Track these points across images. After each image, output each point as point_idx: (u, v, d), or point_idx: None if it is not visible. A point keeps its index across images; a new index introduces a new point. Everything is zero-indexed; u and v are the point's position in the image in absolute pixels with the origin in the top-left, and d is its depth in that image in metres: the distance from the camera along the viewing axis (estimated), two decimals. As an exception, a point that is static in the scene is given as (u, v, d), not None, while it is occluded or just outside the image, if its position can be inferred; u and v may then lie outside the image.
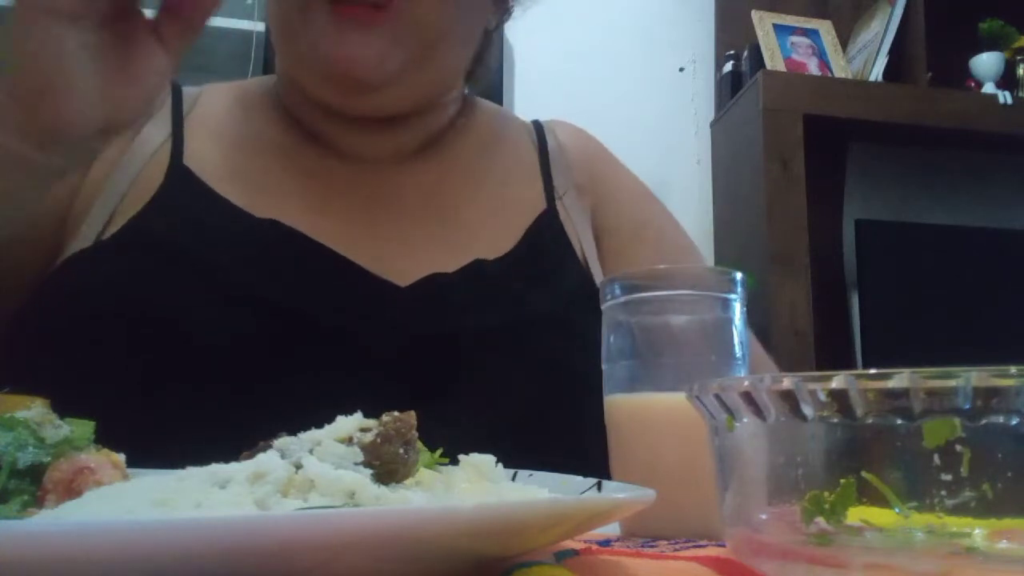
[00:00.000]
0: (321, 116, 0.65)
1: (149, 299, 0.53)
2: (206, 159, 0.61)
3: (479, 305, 0.58)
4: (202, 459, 0.29)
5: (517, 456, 0.39)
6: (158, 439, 0.39)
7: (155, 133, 0.63)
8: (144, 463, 0.35)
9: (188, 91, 0.68)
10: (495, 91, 2.08)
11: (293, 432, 0.31)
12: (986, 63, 2.33)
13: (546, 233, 0.66)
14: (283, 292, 0.55)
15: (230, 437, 0.34)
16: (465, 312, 0.58)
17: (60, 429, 0.31)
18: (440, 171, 0.67)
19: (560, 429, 0.56)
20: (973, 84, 2.35)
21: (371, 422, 0.31)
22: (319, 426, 0.30)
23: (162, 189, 0.58)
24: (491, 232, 0.64)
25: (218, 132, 0.65)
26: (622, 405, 0.44)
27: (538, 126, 0.76)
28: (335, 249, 0.58)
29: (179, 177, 0.59)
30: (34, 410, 0.32)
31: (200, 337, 0.52)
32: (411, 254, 0.61)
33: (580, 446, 0.48)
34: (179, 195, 0.58)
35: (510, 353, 0.57)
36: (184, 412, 0.51)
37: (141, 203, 0.57)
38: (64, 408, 0.33)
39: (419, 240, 0.62)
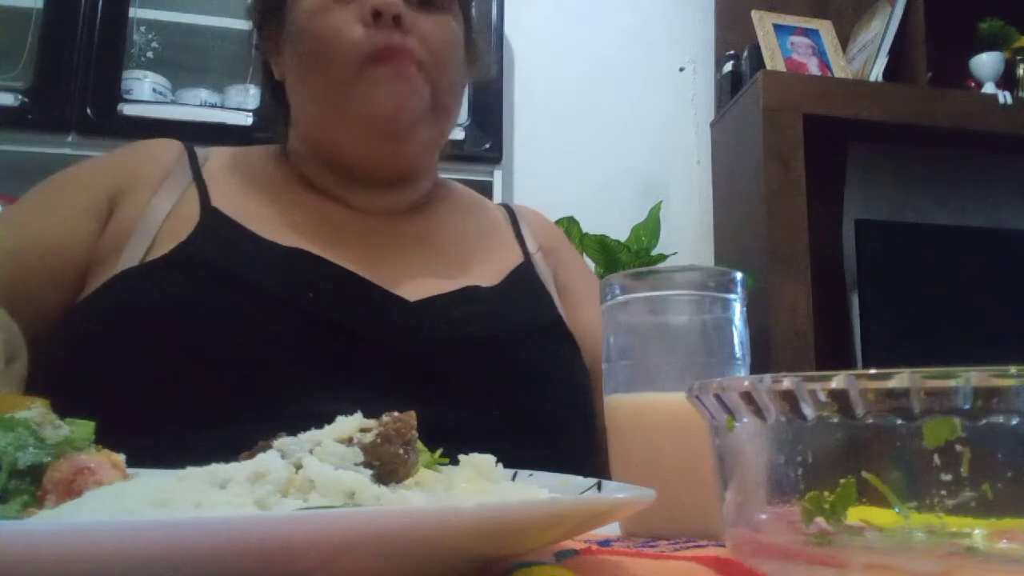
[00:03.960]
0: (333, 178, 0.76)
1: (203, 308, 0.61)
2: (231, 203, 0.71)
3: (474, 319, 0.69)
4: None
5: (508, 447, 0.43)
6: (205, 433, 0.41)
7: (174, 184, 0.72)
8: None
9: (199, 150, 0.78)
10: (495, 91, 2.07)
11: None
12: (986, 63, 2.33)
13: (526, 277, 0.79)
14: (314, 304, 0.64)
15: (267, 430, 0.35)
16: (462, 324, 0.68)
17: (60, 429, 0.31)
18: (428, 225, 0.80)
19: (541, 429, 0.67)
20: (973, 84, 2.35)
21: (371, 422, 0.31)
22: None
23: (200, 224, 0.67)
24: (479, 270, 0.76)
25: (235, 183, 0.74)
26: (622, 405, 0.44)
27: (506, 205, 0.92)
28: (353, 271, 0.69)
29: (212, 215, 0.69)
30: (34, 410, 0.32)
31: (248, 341, 0.60)
32: (414, 280, 0.72)
33: (560, 444, 0.56)
34: (216, 229, 0.68)
35: (499, 360, 0.68)
36: (231, 407, 0.58)
37: (181, 235, 0.66)
38: (114, 412, 0.34)
39: (419, 272, 0.73)
